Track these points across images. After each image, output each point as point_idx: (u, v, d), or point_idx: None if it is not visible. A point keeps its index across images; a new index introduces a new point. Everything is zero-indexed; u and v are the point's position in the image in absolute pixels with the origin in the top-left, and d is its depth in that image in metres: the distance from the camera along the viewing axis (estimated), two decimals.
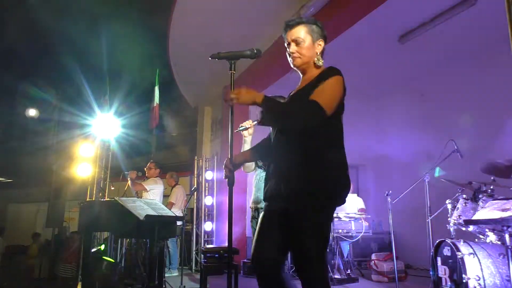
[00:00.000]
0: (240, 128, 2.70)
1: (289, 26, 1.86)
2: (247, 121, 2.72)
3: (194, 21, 5.91)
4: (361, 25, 4.85)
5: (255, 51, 1.84)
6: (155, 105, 6.82)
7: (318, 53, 1.85)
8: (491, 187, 3.30)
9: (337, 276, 4.74)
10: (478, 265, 2.86)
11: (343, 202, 1.75)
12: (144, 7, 7.62)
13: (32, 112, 9.78)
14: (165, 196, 6.11)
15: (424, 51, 6.09)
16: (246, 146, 2.81)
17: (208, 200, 7.17)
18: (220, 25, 5.75)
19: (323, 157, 1.70)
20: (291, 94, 1.96)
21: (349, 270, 4.97)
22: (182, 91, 8.58)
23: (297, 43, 1.83)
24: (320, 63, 1.85)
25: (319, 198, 1.66)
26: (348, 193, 1.76)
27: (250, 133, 2.79)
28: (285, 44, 1.88)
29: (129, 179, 5.34)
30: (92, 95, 7.01)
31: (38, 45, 9.41)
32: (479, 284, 2.80)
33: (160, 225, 3.26)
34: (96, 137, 6.69)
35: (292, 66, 1.88)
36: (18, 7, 8.47)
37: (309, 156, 1.69)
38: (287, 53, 1.87)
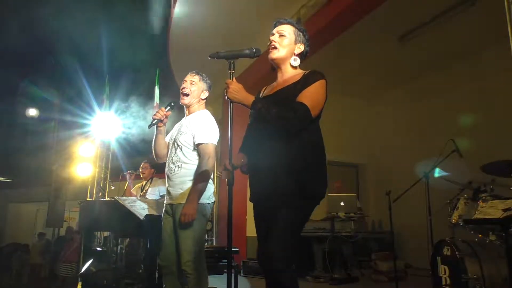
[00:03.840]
0: (155, 122, 2.51)
1: (280, 22, 1.95)
2: (160, 111, 2.50)
3: (194, 21, 5.92)
4: (361, 25, 4.86)
5: (254, 50, 1.84)
6: (155, 104, 6.82)
7: (296, 54, 1.90)
8: (491, 187, 3.30)
9: (337, 275, 4.74)
10: (478, 265, 2.85)
11: (318, 203, 1.79)
12: (145, 7, 7.62)
13: (32, 112, 9.79)
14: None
15: (424, 50, 6.10)
16: (162, 136, 2.58)
17: None
18: (220, 25, 5.76)
19: (310, 158, 1.75)
20: (265, 95, 1.97)
21: (349, 269, 4.97)
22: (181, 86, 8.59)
23: (280, 35, 1.91)
24: (296, 63, 1.90)
25: (305, 199, 1.71)
26: (325, 192, 1.79)
27: (165, 122, 2.56)
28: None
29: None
30: (92, 94, 7.01)
31: (38, 44, 9.41)
32: (479, 284, 2.80)
33: (161, 225, 3.26)
34: (96, 137, 6.69)
35: (269, 58, 1.92)
36: (19, 6, 8.48)
37: (298, 157, 1.72)
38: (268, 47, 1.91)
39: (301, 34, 1.93)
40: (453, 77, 6.42)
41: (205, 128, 2.46)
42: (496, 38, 4.08)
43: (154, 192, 5.27)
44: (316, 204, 1.80)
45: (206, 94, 2.63)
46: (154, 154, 2.66)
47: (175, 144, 2.52)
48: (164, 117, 2.53)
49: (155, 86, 6.54)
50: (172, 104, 2.59)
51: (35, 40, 9.23)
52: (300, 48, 1.91)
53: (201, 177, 2.36)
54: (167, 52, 7.17)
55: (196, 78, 2.60)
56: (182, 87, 2.59)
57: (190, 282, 2.30)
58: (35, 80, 9.82)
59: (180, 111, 2.70)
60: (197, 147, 2.45)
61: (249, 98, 1.73)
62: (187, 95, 2.56)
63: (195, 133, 2.45)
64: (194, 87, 2.57)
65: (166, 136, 2.66)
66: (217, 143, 2.60)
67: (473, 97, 5.94)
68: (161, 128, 2.58)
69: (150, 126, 2.54)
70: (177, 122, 2.70)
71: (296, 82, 1.81)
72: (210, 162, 2.41)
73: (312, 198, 1.76)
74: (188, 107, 2.62)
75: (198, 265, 2.33)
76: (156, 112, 2.52)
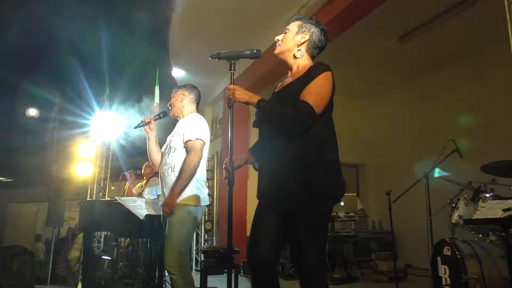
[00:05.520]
0: (140, 124, 2.68)
1: (288, 22, 1.95)
2: (147, 116, 2.70)
3: (194, 21, 5.91)
4: (361, 25, 4.85)
5: (255, 51, 1.84)
6: (155, 104, 6.82)
7: (299, 45, 1.87)
8: (491, 187, 3.30)
9: (337, 275, 4.75)
10: (478, 265, 2.85)
11: (339, 200, 1.75)
12: (145, 7, 7.62)
13: (32, 112, 9.79)
14: None
15: (424, 50, 6.10)
16: (151, 143, 2.71)
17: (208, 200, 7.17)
18: (220, 25, 5.75)
19: (316, 156, 1.70)
20: (275, 91, 1.96)
21: (349, 269, 4.97)
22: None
23: (284, 33, 1.92)
24: (299, 54, 1.86)
25: (315, 198, 1.66)
26: (343, 191, 1.75)
27: (152, 128, 2.70)
28: None
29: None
30: (92, 94, 7.01)
31: (38, 44, 9.41)
32: (479, 284, 2.80)
33: (160, 225, 3.26)
34: (96, 137, 6.69)
35: (274, 54, 1.93)
36: (19, 6, 8.48)
37: (301, 156, 1.68)
38: None
39: (307, 24, 1.88)
40: (453, 77, 6.42)
41: (193, 126, 2.55)
42: (496, 38, 4.08)
43: (152, 192, 5.28)
44: (331, 203, 1.74)
45: (184, 96, 2.74)
46: (151, 162, 2.78)
47: (169, 147, 2.62)
48: (148, 120, 2.68)
49: (155, 86, 6.54)
50: (161, 114, 2.77)
51: (36, 40, 9.23)
52: (304, 37, 1.87)
53: (184, 170, 2.42)
54: (167, 52, 7.17)
55: (174, 92, 2.78)
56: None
57: (175, 282, 2.32)
58: (35, 80, 9.82)
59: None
60: (185, 144, 2.52)
61: (255, 97, 1.72)
62: (171, 109, 2.76)
63: (185, 132, 2.54)
64: (173, 99, 2.76)
65: (158, 143, 2.78)
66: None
67: (473, 97, 5.94)
68: (149, 134, 2.72)
69: (135, 127, 2.74)
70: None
71: (301, 76, 1.78)
72: (196, 158, 2.46)
73: (323, 197, 1.68)
74: (178, 116, 2.76)
75: (181, 266, 2.36)
76: (146, 116, 2.72)
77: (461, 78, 6.25)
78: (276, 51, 1.90)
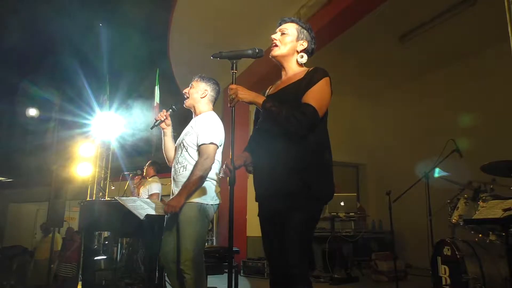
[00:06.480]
0: (156, 123, 2.63)
1: (284, 21, 1.95)
2: (161, 113, 2.64)
3: (195, 21, 5.92)
4: (361, 25, 4.86)
5: (257, 50, 1.84)
6: (155, 104, 6.82)
7: (299, 51, 1.90)
8: (491, 187, 3.30)
9: (337, 275, 4.75)
10: (478, 265, 2.85)
11: (325, 204, 1.79)
12: (145, 6, 7.63)
13: (32, 112, 9.79)
14: None
15: (424, 50, 6.10)
16: (167, 138, 2.68)
17: None
18: (220, 25, 5.76)
19: (316, 157, 1.72)
20: (269, 93, 1.96)
21: (349, 269, 4.97)
22: (182, 91, 8.58)
23: (282, 33, 1.91)
24: (302, 60, 1.89)
25: (313, 200, 1.69)
26: (333, 193, 1.77)
27: (168, 124, 2.66)
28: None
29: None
30: (92, 95, 7.02)
31: (38, 44, 9.42)
32: (479, 284, 2.80)
33: (161, 225, 3.26)
34: (96, 137, 6.69)
35: (270, 55, 1.91)
36: (19, 6, 8.48)
37: (302, 157, 1.70)
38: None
39: (304, 31, 1.91)
40: (453, 77, 6.42)
41: (208, 128, 2.49)
42: (496, 38, 4.08)
43: (145, 191, 5.27)
44: (322, 205, 1.78)
45: (206, 93, 2.66)
46: (165, 158, 2.74)
47: (181, 145, 2.56)
48: (164, 117, 2.61)
49: (155, 86, 6.54)
50: (174, 107, 2.67)
51: (35, 40, 9.24)
52: (303, 45, 1.90)
53: (193, 175, 2.37)
54: (167, 52, 7.18)
55: (195, 81, 2.68)
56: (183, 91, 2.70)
57: (187, 282, 2.29)
58: (35, 80, 9.82)
59: (191, 115, 2.74)
60: (199, 147, 2.47)
61: (260, 97, 1.74)
62: (187, 98, 2.66)
63: (199, 133, 2.49)
64: (192, 89, 2.66)
65: (173, 139, 2.73)
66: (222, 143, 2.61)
67: (473, 97, 5.94)
68: (165, 130, 2.67)
69: (152, 127, 2.66)
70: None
71: (299, 80, 1.79)
72: (207, 162, 2.41)
73: (317, 199, 1.72)
74: (193, 109, 2.67)
75: (196, 265, 2.32)
76: (159, 114, 2.63)
77: (461, 78, 6.25)
78: (276, 53, 1.90)
